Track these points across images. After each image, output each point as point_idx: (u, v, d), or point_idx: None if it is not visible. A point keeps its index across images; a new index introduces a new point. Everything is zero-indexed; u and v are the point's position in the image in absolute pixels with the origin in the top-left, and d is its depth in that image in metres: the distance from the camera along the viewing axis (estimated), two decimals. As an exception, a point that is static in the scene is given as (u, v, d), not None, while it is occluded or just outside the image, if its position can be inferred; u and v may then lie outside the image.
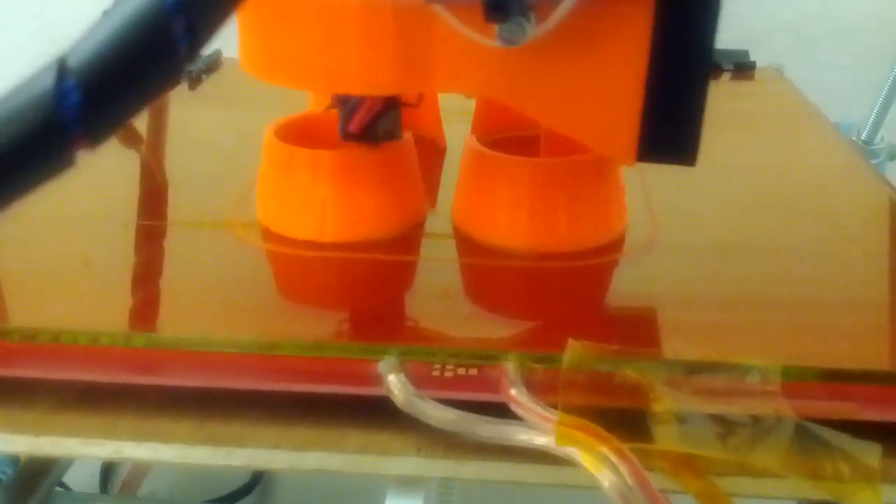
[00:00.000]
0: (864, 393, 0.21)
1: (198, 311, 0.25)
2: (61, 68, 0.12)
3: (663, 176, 0.33)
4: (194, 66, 0.47)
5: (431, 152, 0.36)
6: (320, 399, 0.21)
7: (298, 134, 0.30)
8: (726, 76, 0.49)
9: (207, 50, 0.46)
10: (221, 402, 0.22)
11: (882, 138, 0.53)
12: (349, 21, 0.24)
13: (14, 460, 0.47)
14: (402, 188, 0.29)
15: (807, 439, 0.20)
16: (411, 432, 0.21)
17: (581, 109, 0.24)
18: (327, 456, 0.21)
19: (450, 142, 0.37)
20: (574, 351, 0.21)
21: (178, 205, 0.32)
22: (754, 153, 0.38)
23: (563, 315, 0.26)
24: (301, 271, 0.28)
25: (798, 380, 0.21)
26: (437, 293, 0.26)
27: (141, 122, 0.40)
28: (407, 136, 0.30)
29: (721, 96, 0.47)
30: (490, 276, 0.28)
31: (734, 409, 0.20)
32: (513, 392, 0.21)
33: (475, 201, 0.29)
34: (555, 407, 0.20)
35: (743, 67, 0.50)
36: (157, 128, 0.41)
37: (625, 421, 0.20)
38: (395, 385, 0.21)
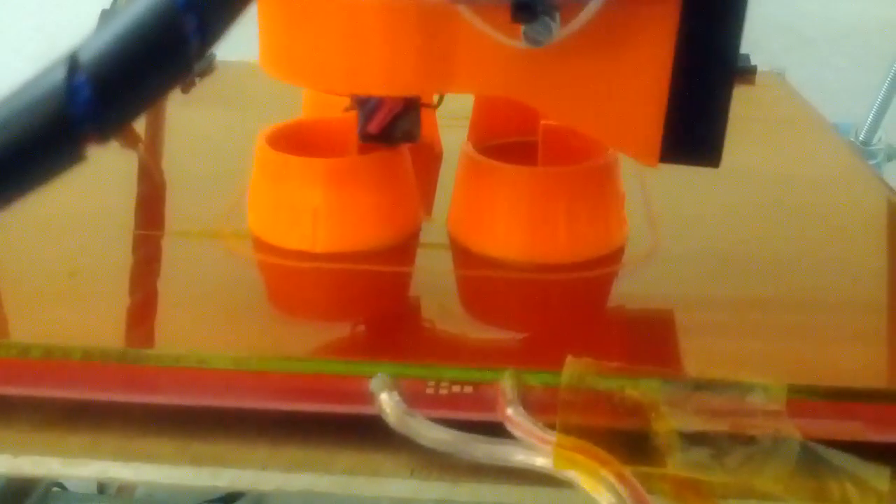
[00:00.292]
0: (872, 412, 0.20)
1: (185, 324, 0.25)
2: (72, 64, 0.12)
3: (664, 184, 0.33)
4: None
5: (427, 158, 0.35)
6: (310, 418, 0.21)
7: (290, 141, 0.29)
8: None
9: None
10: (208, 421, 0.21)
11: (880, 139, 0.53)
12: (372, 22, 0.24)
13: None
14: (396, 196, 0.29)
15: (813, 461, 0.19)
16: (404, 453, 0.20)
17: (604, 110, 0.24)
18: (317, 477, 0.20)
19: (446, 146, 0.36)
20: (573, 368, 0.21)
21: (169, 212, 0.32)
22: (756, 159, 0.37)
23: (562, 329, 0.25)
24: (292, 283, 0.27)
25: (803, 398, 0.21)
26: (432, 306, 0.26)
27: (138, 127, 0.40)
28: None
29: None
30: (486, 288, 0.27)
31: (738, 428, 0.20)
32: (509, 412, 0.20)
33: (471, 211, 0.28)
34: (553, 427, 0.19)
35: (744, 72, 0.49)
36: (154, 133, 0.40)
37: (626, 442, 0.19)
38: (388, 404, 0.20)
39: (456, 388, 0.21)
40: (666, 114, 0.23)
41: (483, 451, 0.20)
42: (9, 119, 0.12)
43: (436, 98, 0.29)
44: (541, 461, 0.19)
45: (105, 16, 0.43)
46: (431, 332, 0.25)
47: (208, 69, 0.47)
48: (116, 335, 0.24)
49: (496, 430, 0.20)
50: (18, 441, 0.21)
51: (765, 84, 0.49)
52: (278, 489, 0.20)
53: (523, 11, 0.22)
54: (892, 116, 0.53)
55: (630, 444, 0.19)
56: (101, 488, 0.57)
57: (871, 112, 0.52)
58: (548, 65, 0.24)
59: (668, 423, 0.20)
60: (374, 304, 0.26)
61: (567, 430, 0.19)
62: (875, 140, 0.53)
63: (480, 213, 0.28)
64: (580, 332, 0.25)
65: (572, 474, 0.19)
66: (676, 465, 0.19)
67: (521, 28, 0.22)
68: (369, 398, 0.20)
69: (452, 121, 0.36)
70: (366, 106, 0.28)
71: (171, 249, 0.29)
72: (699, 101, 0.23)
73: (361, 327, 0.25)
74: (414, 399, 0.20)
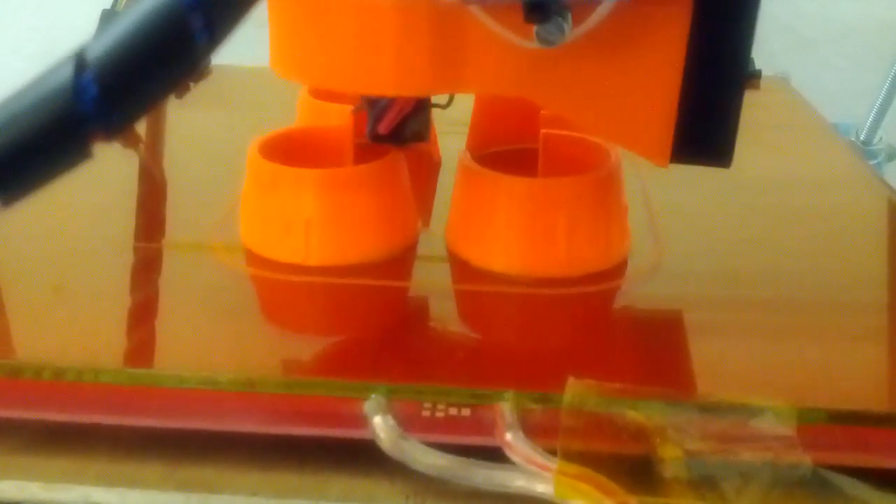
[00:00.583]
0: (887, 438, 0.20)
1: (172, 341, 0.24)
2: (79, 62, 0.12)
3: (668, 194, 0.32)
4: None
5: (425, 166, 0.35)
6: (302, 442, 0.20)
7: (283, 151, 0.28)
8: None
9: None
10: (196, 444, 0.21)
11: (881, 139, 0.53)
12: (385, 22, 0.24)
13: None
14: (392, 207, 0.28)
15: (824, 488, 0.19)
16: (399, 478, 0.20)
17: (615, 110, 0.24)
18: (309, 504, 0.20)
19: (445, 153, 0.36)
20: (575, 390, 0.20)
21: (158, 223, 0.31)
22: (761, 165, 0.37)
23: (563, 346, 0.24)
24: (284, 297, 0.27)
25: (814, 423, 0.20)
26: (429, 323, 0.25)
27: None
28: (398, 152, 0.29)
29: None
30: (485, 303, 0.26)
31: (746, 455, 0.19)
32: (508, 437, 0.19)
33: (470, 222, 0.28)
34: (554, 452, 0.19)
35: (748, 76, 0.48)
36: (155, 135, 0.40)
37: (630, 468, 0.19)
38: (382, 428, 0.20)
39: (453, 411, 0.20)
40: (677, 114, 0.23)
41: (481, 476, 0.19)
42: (17, 116, 0.12)
43: (445, 99, 0.29)
44: (541, 488, 0.19)
45: (106, 16, 0.43)
46: (428, 349, 0.24)
47: (203, 73, 0.47)
48: (101, 353, 0.23)
49: (495, 455, 0.19)
50: (-1, 465, 0.20)
51: (770, 89, 0.48)
52: (269, 517, 0.20)
53: (536, 12, 0.22)
54: (892, 117, 0.53)
55: (634, 470, 0.19)
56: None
57: (871, 112, 0.52)
58: (559, 65, 0.24)
59: (674, 448, 0.19)
60: (369, 320, 0.26)
61: (568, 456, 0.19)
62: (876, 140, 0.53)
63: (479, 225, 0.27)
64: (582, 349, 0.24)
65: (576, 502, 0.18)
66: (683, 493, 0.18)
67: (534, 28, 0.22)
68: (363, 421, 0.20)
69: (451, 127, 0.35)
70: (376, 106, 0.28)
71: (161, 263, 0.28)
72: (711, 101, 0.23)
73: (355, 345, 0.24)
74: (409, 422, 0.20)
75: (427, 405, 0.20)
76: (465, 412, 0.20)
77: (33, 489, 0.20)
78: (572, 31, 0.22)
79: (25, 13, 0.61)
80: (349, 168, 0.28)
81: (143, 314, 0.25)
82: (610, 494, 0.18)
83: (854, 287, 0.27)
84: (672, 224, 0.30)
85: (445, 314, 0.26)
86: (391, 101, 0.27)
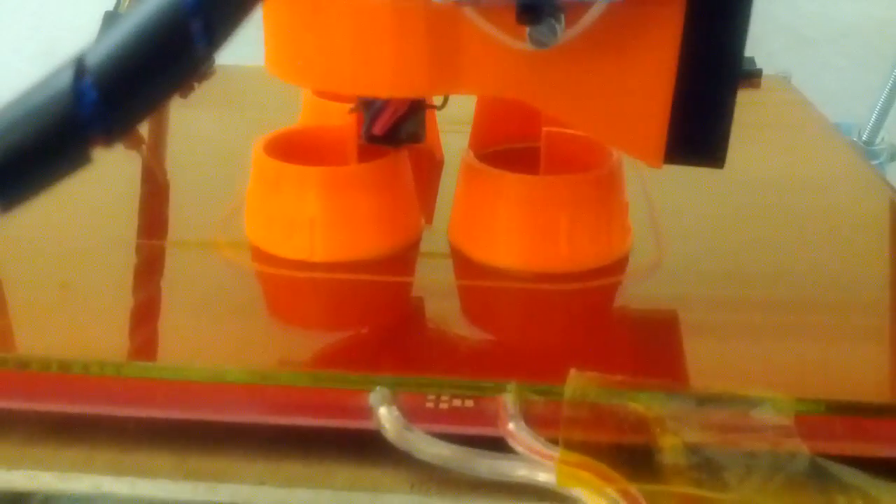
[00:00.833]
0: (883, 428, 0.20)
1: (180, 336, 0.24)
2: (79, 67, 0.12)
3: (668, 191, 0.32)
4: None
5: (428, 164, 0.35)
6: (308, 432, 0.20)
7: (287, 149, 0.29)
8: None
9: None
10: (204, 435, 0.21)
11: (882, 139, 0.53)
12: (381, 23, 0.24)
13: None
14: (395, 204, 0.28)
15: (821, 477, 0.19)
16: (404, 468, 0.20)
17: (609, 111, 0.24)
18: (315, 493, 0.20)
19: (447, 152, 0.36)
20: (576, 382, 0.20)
21: (165, 220, 0.31)
22: (762, 164, 0.37)
23: (565, 340, 0.25)
24: (290, 293, 0.27)
25: (812, 413, 0.20)
26: (432, 317, 0.25)
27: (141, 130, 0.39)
28: (401, 150, 0.29)
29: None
30: (488, 298, 0.27)
31: (745, 445, 0.19)
32: (511, 427, 0.20)
33: (472, 219, 0.28)
34: (556, 442, 0.19)
35: (749, 75, 0.49)
36: (158, 136, 0.40)
37: (630, 457, 0.19)
38: (387, 418, 0.20)
39: (456, 402, 0.21)
40: (671, 115, 0.23)
41: (484, 466, 0.19)
42: (17, 121, 0.12)
43: (440, 100, 0.29)
44: (543, 477, 0.19)
45: (109, 17, 0.43)
46: (431, 343, 0.24)
47: (208, 73, 0.47)
48: (110, 347, 0.23)
49: (498, 445, 0.19)
50: (12, 455, 0.21)
51: (770, 88, 0.48)
52: (276, 504, 0.20)
53: (528, 13, 0.22)
54: (894, 117, 0.53)
55: (634, 460, 0.19)
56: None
57: (873, 112, 0.52)
58: (553, 66, 0.24)
59: (674, 438, 0.20)
60: (374, 315, 0.26)
61: (570, 445, 0.19)
62: (878, 140, 0.53)
63: (481, 222, 0.28)
64: (583, 343, 0.24)
65: (576, 491, 0.18)
66: (682, 481, 0.19)
67: (527, 30, 0.22)
68: (368, 412, 0.20)
69: (454, 126, 0.35)
70: (371, 107, 0.28)
71: (167, 260, 0.29)
72: (704, 102, 0.23)
73: (360, 339, 0.25)
74: (413, 413, 0.20)
75: (431, 397, 0.21)
76: (469, 403, 0.21)
77: (45, 479, 0.20)
78: (565, 33, 0.22)
79: (26, 13, 0.61)
80: (353, 166, 0.29)
81: (150, 309, 0.25)
82: (610, 482, 0.18)
83: (852, 284, 0.28)
84: (672, 222, 0.31)
85: (448, 309, 0.26)
86: (386, 103, 0.27)
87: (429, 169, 0.35)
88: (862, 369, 0.23)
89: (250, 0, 0.13)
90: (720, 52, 0.22)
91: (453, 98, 0.27)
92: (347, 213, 0.27)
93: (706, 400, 0.20)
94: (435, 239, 0.29)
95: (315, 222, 0.27)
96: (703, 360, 0.23)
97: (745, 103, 0.46)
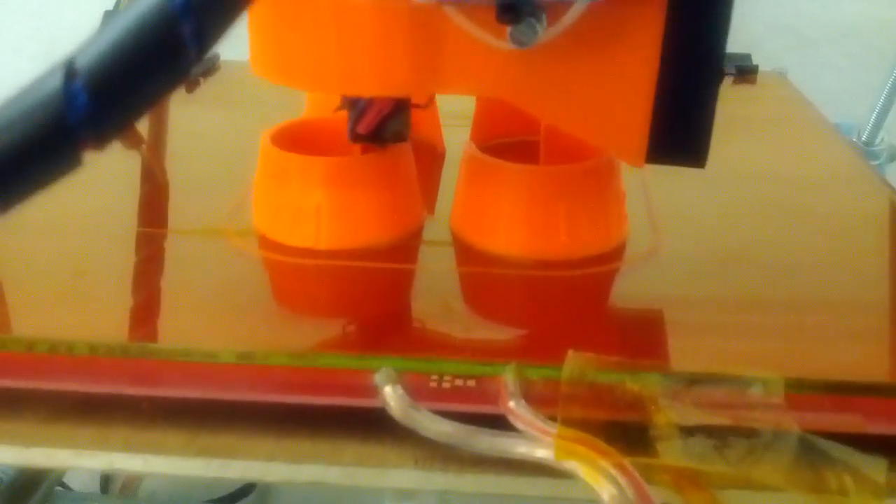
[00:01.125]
0: (870, 405, 0.21)
1: (192, 319, 0.25)
2: (69, 70, 0.12)
3: (665, 183, 0.33)
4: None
5: (430, 157, 0.36)
6: (316, 410, 0.21)
7: (294, 140, 0.29)
8: (728, 80, 0.49)
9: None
10: (216, 413, 0.21)
11: (882, 139, 0.53)
12: (364, 22, 0.24)
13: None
14: (399, 195, 0.29)
15: (811, 453, 0.20)
16: (409, 444, 0.21)
17: (592, 111, 0.24)
18: (323, 468, 0.21)
19: (449, 146, 0.37)
20: (574, 362, 0.21)
21: (174, 210, 0.32)
22: (757, 158, 0.38)
23: (563, 325, 0.25)
24: (297, 280, 0.28)
25: (802, 392, 0.21)
26: (435, 302, 0.26)
27: (141, 127, 0.40)
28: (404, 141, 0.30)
29: (723, 100, 0.47)
30: (489, 284, 0.27)
31: (737, 421, 0.20)
32: (511, 404, 0.20)
33: (474, 209, 0.29)
34: (554, 419, 0.20)
35: (745, 71, 0.49)
36: (158, 132, 0.41)
37: (626, 434, 0.20)
38: (392, 397, 0.21)
39: (459, 382, 0.21)
40: (652, 114, 0.23)
41: (485, 442, 0.20)
42: (6, 125, 0.12)
43: (426, 98, 0.30)
44: (542, 452, 0.20)
45: (108, 17, 0.44)
46: (434, 327, 0.25)
47: (213, 69, 0.48)
48: (125, 331, 0.24)
49: (498, 423, 0.20)
50: (29, 433, 0.21)
51: (766, 84, 0.49)
52: (286, 480, 0.21)
53: (508, 13, 0.22)
54: (894, 117, 0.53)
55: (630, 436, 0.20)
56: (105, 487, 0.57)
57: (873, 113, 0.52)
58: (536, 65, 0.24)
59: (668, 415, 0.20)
60: (378, 300, 0.27)
61: (568, 422, 0.20)
62: (878, 141, 0.53)
63: (483, 211, 0.28)
64: (581, 327, 0.25)
65: (573, 465, 0.19)
66: (675, 456, 0.19)
67: (507, 29, 0.22)
68: (374, 391, 0.21)
69: (455, 121, 0.36)
70: (356, 106, 0.28)
71: (177, 247, 0.29)
72: (685, 102, 0.23)
73: (366, 323, 0.25)
74: (417, 392, 0.21)
75: (434, 377, 0.21)
76: (471, 383, 0.21)
77: (61, 456, 0.21)
78: (546, 32, 0.23)
79: (26, 13, 0.62)
80: (358, 157, 0.29)
81: (162, 295, 0.26)
82: (606, 456, 0.19)
83: (844, 272, 0.28)
84: (668, 212, 0.31)
85: (451, 294, 0.27)
86: (370, 102, 0.28)
87: (431, 161, 0.35)
88: (851, 351, 0.24)
89: (240, 1, 0.13)
90: (701, 51, 0.22)
91: (443, 94, 0.27)
92: (352, 203, 0.28)
93: (699, 380, 0.21)
94: (437, 228, 0.30)
95: (321, 211, 0.28)
96: (697, 342, 0.24)
97: (742, 99, 0.47)
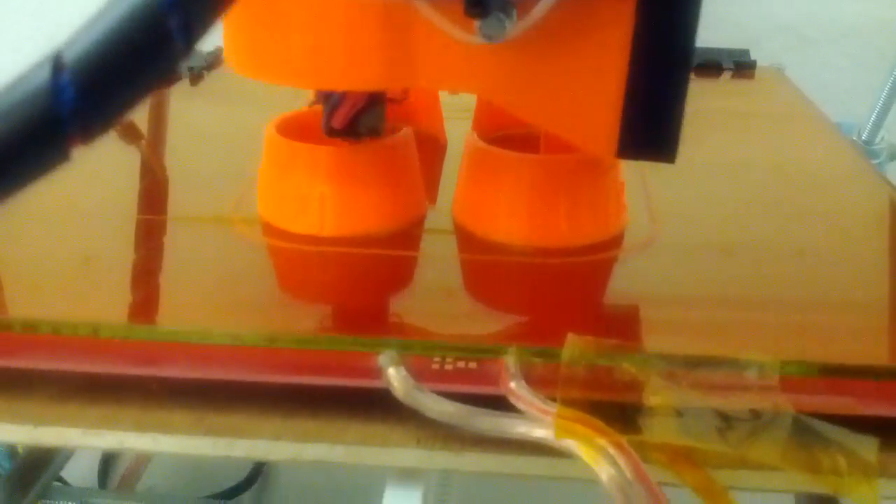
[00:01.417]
0: (862, 388, 0.21)
1: (199, 304, 0.25)
2: (56, 64, 0.12)
3: (663, 174, 0.33)
4: (196, 62, 0.47)
5: (432, 148, 0.36)
6: (321, 391, 0.22)
7: (299, 130, 0.30)
8: (726, 75, 0.50)
9: (209, 46, 0.46)
10: (222, 394, 0.22)
11: (882, 138, 0.53)
12: (334, 16, 0.24)
13: (12, 455, 0.47)
14: (402, 184, 0.30)
15: (805, 433, 0.20)
16: (411, 424, 0.21)
17: (562, 105, 0.24)
18: (328, 448, 0.21)
19: (451, 139, 0.37)
20: (573, 345, 0.22)
21: (180, 200, 0.33)
22: (754, 152, 0.38)
23: (563, 310, 0.26)
24: (301, 266, 0.28)
25: (797, 375, 0.21)
26: (438, 288, 0.26)
27: (141, 118, 0.40)
28: (407, 131, 0.30)
29: (721, 95, 0.48)
30: (490, 271, 0.28)
31: (732, 403, 0.20)
32: (512, 385, 0.21)
33: (475, 197, 0.29)
34: (554, 400, 0.20)
35: (743, 66, 0.50)
36: (157, 123, 0.41)
37: (623, 414, 0.20)
38: (395, 378, 0.21)
39: (461, 364, 0.22)
40: (623, 109, 0.23)
41: (486, 422, 0.20)
42: None
43: (400, 92, 0.30)
44: (541, 432, 0.20)
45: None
46: (437, 311, 0.25)
47: (216, 61, 0.48)
48: (133, 313, 0.25)
49: (499, 405, 0.21)
50: (39, 413, 0.22)
51: (764, 79, 0.49)
52: (291, 459, 0.21)
53: (476, 7, 0.22)
54: (894, 116, 0.53)
55: (627, 416, 0.20)
56: (103, 482, 0.58)
57: (873, 112, 0.53)
58: (507, 60, 0.24)
59: (665, 397, 0.21)
60: (382, 286, 0.27)
61: (567, 402, 0.20)
62: (878, 140, 0.53)
63: (484, 200, 0.29)
64: (580, 312, 0.26)
65: (572, 445, 0.20)
66: (671, 436, 0.20)
67: (476, 24, 0.22)
68: (377, 373, 0.21)
69: (457, 113, 0.36)
70: (329, 100, 0.28)
71: (184, 234, 0.30)
72: (655, 97, 0.23)
73: (369, 307, 0.26)
74: (420, 374, 0.21)
75: (436, 359, 0.22)
76: (472, 365, 0.22)
77: (71, 435, 0.22)
78: (516, 26, 0.22)
79: (26, 13, 0.62)
80: (362, 146, 0.30)
81: (170, 279, 0.27)
82: (603, 435, 0.19)
83: (838, 259, 0.29)
84: (666, 201, 0.32)
85: (453, 280, 0.27)
86: (344, 96, 0.28)
87: (433, 153, 0.36)
88: (844, 335, 0.24)
89: None
90: (671, 46, 0.22)
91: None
92: (356, 191, 0.28)
93: (695, 362, 0.21)
94: (439, 217, 0.30)
95: (325, 199, 0.28)
96: (694, 327, 0.25)
97: (740, 93, 0.48)
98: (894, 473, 0.20)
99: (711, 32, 0.56)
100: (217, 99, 0.45)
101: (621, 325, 0.25)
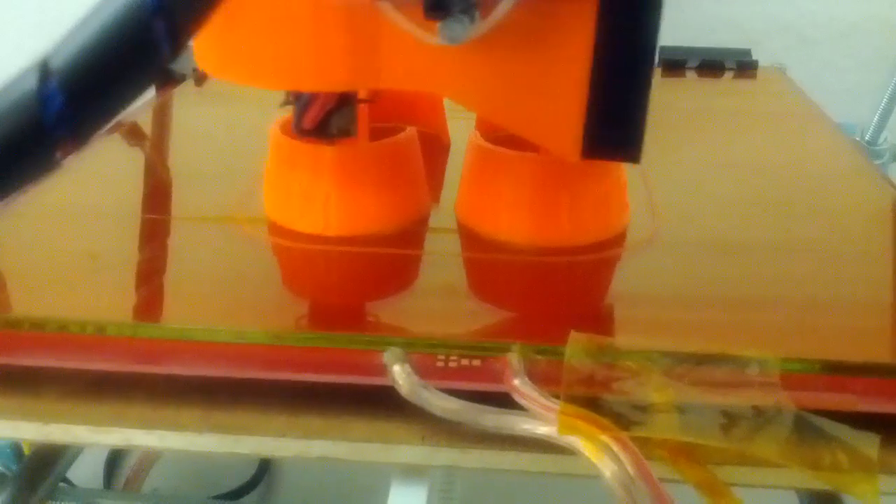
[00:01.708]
0: (863, 385, 0.21)
1: (205, 302, 0.25)
2: (43, 71, 0.12)
3: (665, 173, 0.34)
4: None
5: (436, 148, 0.36)
6: (326, 389, 0.22)
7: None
8: (728, 75, 0.50)
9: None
10: (229, 392, 0.22)
11: (885, 139, 0.53)
12: (299, 18, 0.24)
13: (18, 456, 0.47)
14: (405, 183, 0.30)
15: (806, 430, 0.20)
16: (416, 422, 0.21)
17: (527, 106, 0.25)
18: (333, 444, 0.21)
19: (454, 138, 0.37)
20: (576, 342, 0.22)
21: (186, 199, 0.33)
22: (756, 152, 0.38)
23: (566, 308, 0.26)
24: (306, 264, 0.28)
25: (797, 372, 0.21)
26: (441, 286, 0.27)
27: (146, 119, 0.41)
28: (411, 131, 0.30)
29: (723, 95, 0.48)
30: (493, 269, 0.28)
31: (734, 400, 0.21)
32: (516, 382, 0.21)
33: (479, 196, 0.29)
34: (557, 397, 0.20)
35: (745, 66, 0.50)
36: (162, 124, 0.41)
37: (625, 410, 0.20)
38: (400, 375, 0.21)
39: (465, 361, 0.22)
40: (587, 109, 0.23)
41: (490, 420, 0.21)
42: None
43: (371, 92, 0.29)
44: (545, 429, 0.20)
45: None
46: (441, 310, 0.25)
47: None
48: (140, 312, 0.25)
49: (503, 402, 0.21)
50: (48, 410, 0.22)
51: (766, 79, 0.49)
52: (297, 455, 0.21)
53: (436, 9, 0.22)
54: (896, 117, 0.53)
55: (629, 412, 0.20)
56: (108, 483, 0.58)
57: (876, 112, 0.53)
58: (473, 61, 0.24)
59: (666, 394, 0.21)
60: (386, 285, 0.27)
61: (570, 399, 0.20)
62: (881, 140, 0.53)
63: (487, 199, 0.29)
64: (582, 310, 0.26)
65: (575, 441, 0.20)
66: (673, 432, 0.20)
67: (437, 25, 0.22)
68: (383, 370, 0.21)
69: (460, 113, 0.36)
70: (300, 101, 0.28)
71: (190, 233, 0.30)
72: (618, 98, 0.23)
73: (373, 306, 0.26)
74: (425, 371, 0.21)
75: (441, 356, 0.22)
76: (476, 362, 0.22)
77: (78, 432, 0.22)
78: (477, 28, 0.23)
79: (27, 10, 0.62)
80: (366, 145, 0.30)
81: (177, 278, 0.27)
82: (606, 431, 0.19)
83: (838, 256, 0.29)
84: (668, 200, 0.32)
85: (457, 279, 0.27)
86: (314, 96, 0.28)
87: (436, 153, 0.36)
88: (846, 332, 0.24)
89: (212, 0, 0.13)
90: (633, 47, 0.22)
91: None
92: (360, 191, 0.29)
93: (697, 359, 0.22)
94: (442, 216, 0.31)
95: (329, 199, 0.28)
96: (696, 324, 0.25)
97: (741, 93, 0.48)
98: (895, 470, 0.20)
99: (713, 32, 0.56)
100: (222, 99, 0.45)
101: (624, 323, 0.25)
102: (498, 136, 0.31)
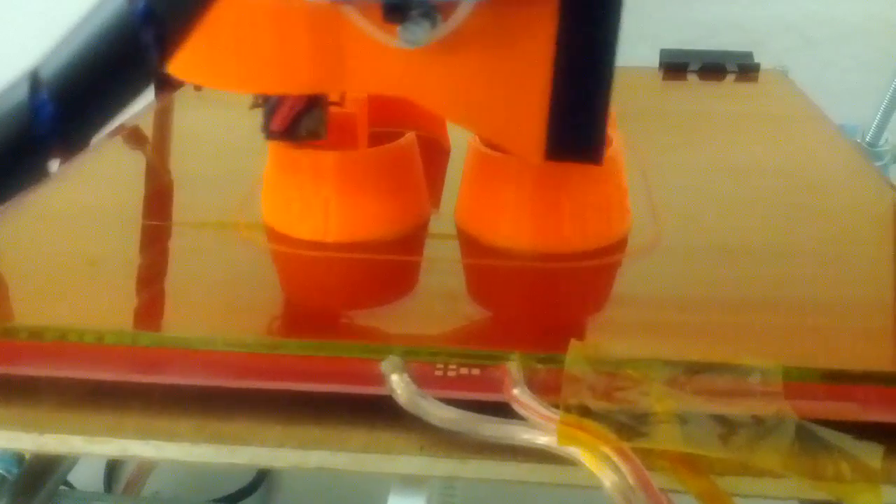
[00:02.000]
0: (866, 394, 0.21)
1: (203, 310, 0.25)
2: (34, 82, 0.13)
3: (666, 177, 0.34)
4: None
5: (435, 153, 0.36)
6: (324, 398, 0.22)
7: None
8: (730, 77, 0.50)
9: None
10: (226, 401, 0.22)
11: (886, 140, 0.53)
12: (262, 21, 0.24)
13: (19, 459, 0.47)
14: (405, 189, 0.30)
15: (808, 440, 0.20)
16: (414, 431, 0.21)
17: (491, 109, 0.25)
18: (331, 454, 0.21)
19: (454, 144, 0.37)
20: (576, 351, 0.22)
21: (186, 204, 0.33)
22: (758, 154, 0.38)
23: (566, 315, 0.26)
24: (305, 271, 0.28)
25: (800, 381, 0.21)
26: (441, 293, 0.26)
27: (146, 123, 0.40)
28: (411, 137, 0.30)
29: (725, 97, 0.48)
30: (493, 276, 0.28)
31: (736, 409, 0.20)
32: (515, 391, 0.21)
33: (478, 202, 0.29)
34: (557, 407, 0.20)
35: (747, 69, 0.50)
36: (163, 129, 0.41)
37: (627, 421, 0.20)
38: (398, 384, 0.21)
39: (464, 371, 0.22)
40: (549, 112, 0.23)
41: (490, 429, 0.20)
42: None
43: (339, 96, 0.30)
44: (545, 439, 0.20)
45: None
46: (440, 317, 0.25)
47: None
48: (138, 319, 0.25)
49: (502, 412, 0.21)
50: (44, 420, 0.22)
51: (768, 81, 0.49)
52: (294, 466, 0.21)
53: (395, 13, 0.22)
54: (898, 118, 0.53)
55: (630, 422, 0.20)
56: (108, 486, 0.58)
57: (877, 113, 0.52)
58: (435, 64, 0.24)
59: (668, 403, 0.21)
60: (385, 292, 0.27)
61: (570, 409, 0.20)
62: (881, 142, 0.53)
63: (487, 205, 0.29)
64: (583, 317, 0.26)
65: (575, 451, 0.20)
66: (674, 442, 0.20)
67: (397, 28, 0.23)
68: (381, 379, 0.21)
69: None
70: (268, 103, 0.28)
71: (189, 240, 0.30)
72: (578, 100, 0.23)
73: (372, 313, 0.26)
74: (423, 380, 0.21)
75: (439, 365, 0.22)
76: (475, 372, 0.22)
77: (74, 442, 0.22)
78: (437, 31, 0.23)
79: (32, 12, 0.62)
80: (366, 151, 0.30)
81: (174, 285, 0.27)
82: (606, 441, 0.19)
83: (839, 261, 0.29)
84: (669, 206, 0.32)
85: (456, 285, 0.27)
86: (282, 99, 0.28)
87: (436, 159, 0.36)
88: (849, 340, 0.24)
89: (198, 8, 0.13)
90: (592, 50, 0.23)
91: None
92: (360, 196, 0.28)
93: (699, 368, 0.21)
94: (442, 222, 0.30)
95: (329, 204, 0.28)
96: (698, 330, 0.24)
97: (743, 95, 0.48)
98: (899, 480, 0.20)
99: (715, 35, 0.56)
100: (222, 104, 0.45)
101: (625, 331, 0.25)
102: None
